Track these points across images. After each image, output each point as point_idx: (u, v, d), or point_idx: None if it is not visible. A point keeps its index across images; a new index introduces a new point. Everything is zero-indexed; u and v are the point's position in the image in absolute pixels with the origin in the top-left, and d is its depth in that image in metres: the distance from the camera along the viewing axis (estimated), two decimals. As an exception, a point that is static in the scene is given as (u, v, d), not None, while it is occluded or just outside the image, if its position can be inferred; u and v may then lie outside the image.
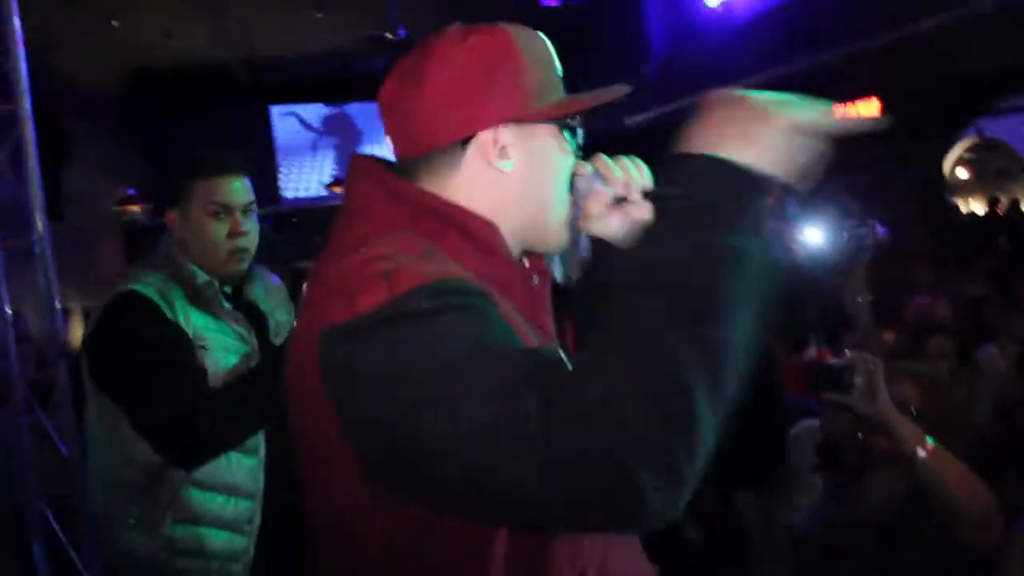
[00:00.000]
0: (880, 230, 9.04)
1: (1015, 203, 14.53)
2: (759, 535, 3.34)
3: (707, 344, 0.86)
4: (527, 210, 1.16)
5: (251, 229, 2.19)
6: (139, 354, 2.03)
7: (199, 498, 2.07)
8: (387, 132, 1.18)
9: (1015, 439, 3.18)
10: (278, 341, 2.23)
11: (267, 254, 2.52)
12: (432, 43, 1.13)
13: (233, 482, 2.11)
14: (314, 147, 13.52)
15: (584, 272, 1.41)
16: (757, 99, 0.98)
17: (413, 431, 0.88)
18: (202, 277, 2.14)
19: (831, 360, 2.13)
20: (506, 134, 1.11)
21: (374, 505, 0.98)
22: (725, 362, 0.87)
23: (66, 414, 3.98)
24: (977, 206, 16.77)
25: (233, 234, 2.14)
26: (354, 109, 13.55)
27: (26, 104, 3.95)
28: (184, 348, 2.04)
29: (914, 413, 2.06)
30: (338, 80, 12.43)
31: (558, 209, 1.19)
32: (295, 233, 14.40)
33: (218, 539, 2.09)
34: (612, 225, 1.25)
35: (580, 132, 1.21)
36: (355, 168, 1.19)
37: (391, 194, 1.13)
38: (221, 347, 2.10)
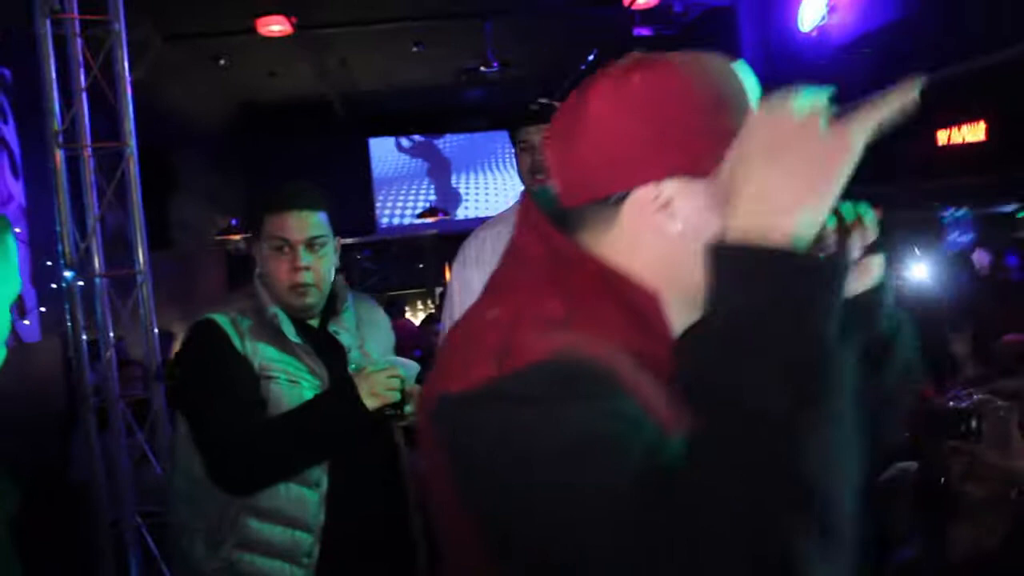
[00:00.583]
0: (985, 258, 8.71)
1: None
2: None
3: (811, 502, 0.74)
4: (700, 277, 0.91)
5: (313, 264, 2.19)
6: (201, 379, 2.11)
7: (256, 526, 2.10)
8: (552, 177, 1.05)
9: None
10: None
11: (363, 283, 2.57)
12: (594, 82, 0.99)
13: (292, 514, 2.12)
14: (408, 177, 13.81)
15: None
16: (817, 119, 0.84)
17: (505, 519, 0.85)
18: (270, 309, 2.18)
19: (954, 403, 1.99)
20: (672, 189, 0.95)
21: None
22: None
23: (162, 434, 4.17)
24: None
25: (293, 269, 2.16)
26: (448, 140, 13.81)
27: (132, 142, 4.18)
28: (244, 377, 2.09)
29: None
30: (434, 112, 12.69)
31: None
32: (392, 263, 14.72)
33: (274, 569, 2.10)
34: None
35: None
36: (523, 213, 1.06)
37: (551, 252, 1.00)
38: (288, 379, 2.13)
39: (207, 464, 2.05)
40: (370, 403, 2.06)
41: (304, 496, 2.14)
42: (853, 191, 0.89)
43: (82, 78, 4.13)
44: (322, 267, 2.22)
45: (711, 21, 9.65)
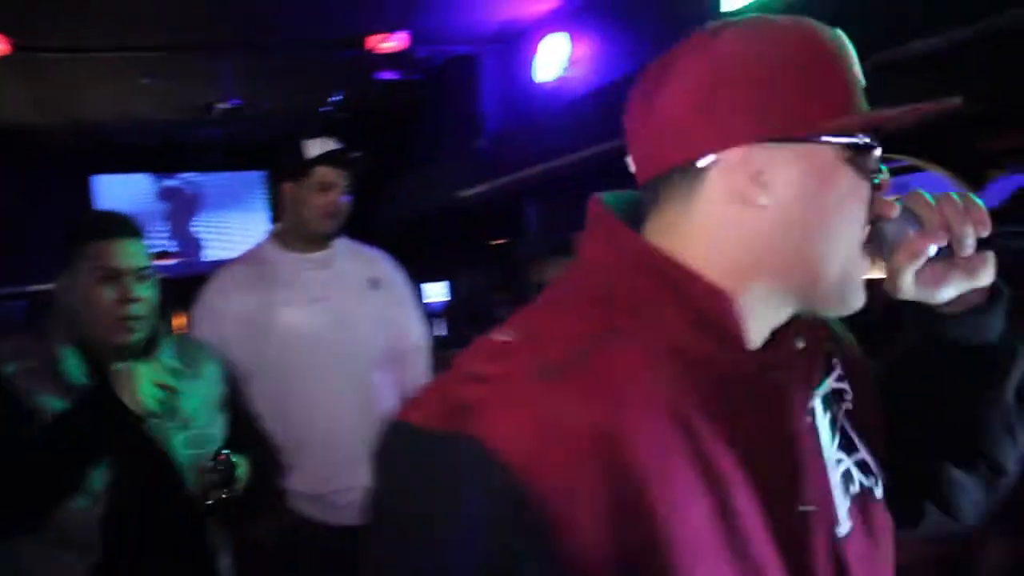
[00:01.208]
0: None
1: None
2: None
3: None
4: (797, 263, 0.86)
5: (144, 295, 2.10)
6: None
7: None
8: (630, 154, 0.94)
9: None
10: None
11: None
12: (684, 43, 0.89)
13: (71, 535, 1.99)
14: (141, 218, 12.98)
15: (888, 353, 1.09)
16: None
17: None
18: (61, 351, 2.05)
19: None
20: (764, 155, 0.83)
21: None
22: None
23: None
24: None
25: (122, 301, 2.05)
26: (184, 179, 13.10)
27: None
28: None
29: None
30: (167, 149, 12.01)
31: (849, 262, 0.88)
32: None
33: None
34: (933, 287, 0.92)
35: (883, 169, 0.90)
36: (590, 219, 0.94)
37: (614, 253, 0.89)
38: None
39: None
40: (133, 404, 1.94)
41: (79, 515, 2.00)
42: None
43: None
44: (152, 299, 2.12)
45: (455, 67, 9.87)
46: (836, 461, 0.94)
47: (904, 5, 5.00)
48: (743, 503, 0.81)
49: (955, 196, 0.91)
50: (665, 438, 0.78)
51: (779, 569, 0.82)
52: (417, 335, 3.42)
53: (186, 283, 3.44)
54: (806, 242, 0.85)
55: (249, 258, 3.16)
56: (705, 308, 0.84)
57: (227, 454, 2.10)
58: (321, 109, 9.20)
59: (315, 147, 3.03)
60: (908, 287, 0.91)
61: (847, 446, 0.97)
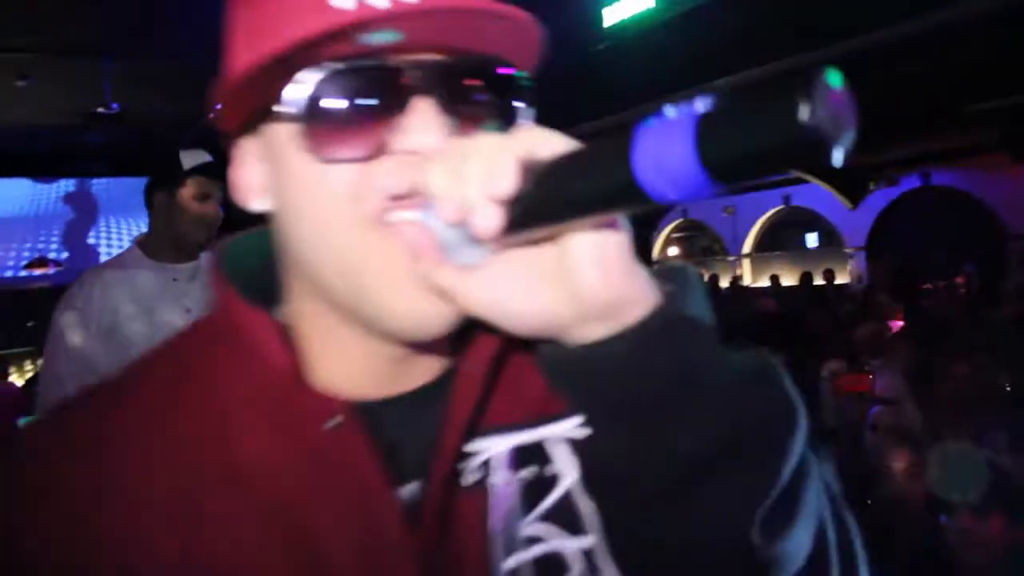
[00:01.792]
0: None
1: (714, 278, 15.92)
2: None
3: None
4: (316, 275, 0.70)
5: None
6: None
7: None
8: None
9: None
10: None
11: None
12: None
13: None
14: (15, 225, 12.45)
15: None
16: None
17: None
18: None
19: None
20: (253, 142, 0.72)
21: None
22: None
23: None
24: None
25: None
26: (62, 186, 12.63)
27: None
28: None
29: None
30: (45, 154, 11.57)
31: (351, 263, 0.67)
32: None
33: None
34: (514, 299, 0.64)
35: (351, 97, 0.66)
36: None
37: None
38: None
39: None
40: None
41: None
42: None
43: None
44: None
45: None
46: (527, 540, 0.71)
47: (780, 22, 5.23)
48: None
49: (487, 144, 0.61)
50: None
51: None
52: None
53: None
54: (305, 249, 0.70)
55: (114, 265, 3.10)
56: (245, 339, 0.71)
57: None
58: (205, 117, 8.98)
59: (190, 158, 3.01)
60: (479, 303, 0.64)
61: (566, 522, 0.71)
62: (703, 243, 20.79)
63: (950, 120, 9.38)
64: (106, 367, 2.77)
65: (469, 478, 0.71)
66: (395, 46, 0.63)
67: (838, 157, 0.44)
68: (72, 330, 2.91)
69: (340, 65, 0.63)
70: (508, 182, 0.57)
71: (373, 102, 0.64)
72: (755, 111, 0.44)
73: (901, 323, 5.94)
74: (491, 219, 0.57)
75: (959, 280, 11.00)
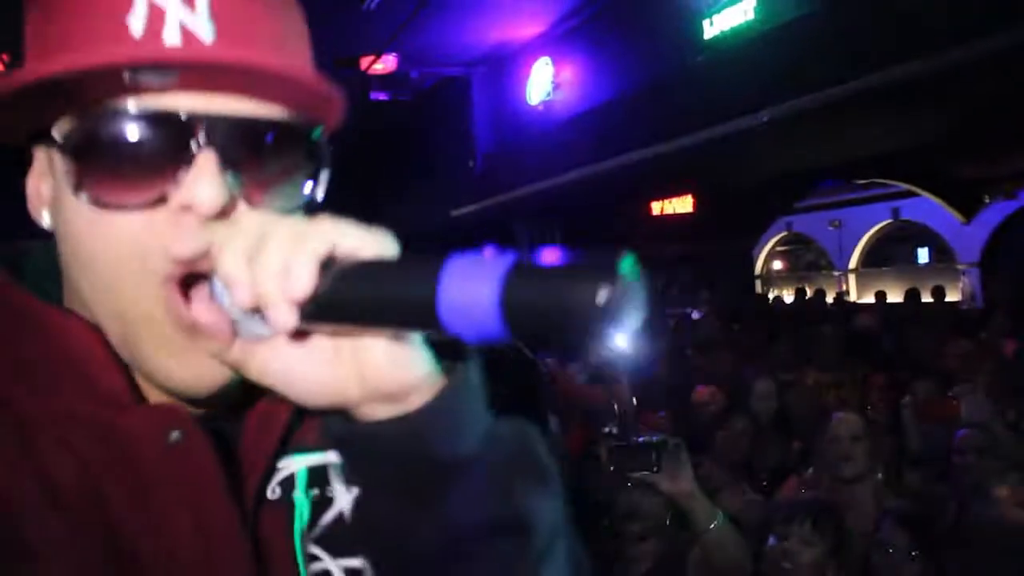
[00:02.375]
0: (696, 315, 9.52)
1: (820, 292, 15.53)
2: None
3: None
4: (93, 312, 0.67)
5: None
6: None
7: None
8: None
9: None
10: None
11: None
12: None
13: None
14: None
15: None
16: None
17: None
18: None
19: (636, 439, 2.27)
20: (40, 152, 0.69)
21: None
22: None
23: None
24: (787, 295, 17.90)
25: None
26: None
27: None
28: None
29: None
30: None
31: (132, 320, 0.65)
32: None
33: None
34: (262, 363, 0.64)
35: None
36: None
37: None
38: None
39: None
40: None
41: None
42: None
43: None
44: None
45: (446, 89, 10.03)
46: (311, 558, 0.73)
47: (883, 32, 5.12)
48: None
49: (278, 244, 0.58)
50: None
51: None
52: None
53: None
54: (89, 291, 0.67)
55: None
56: (71, 348, 0.67)
57: None
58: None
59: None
60: (267, 375, 0.63)
61: (338, 545, 0.74)
62: (808, 257, 20.30)
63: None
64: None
65: (274, 493, 0.73)
66: (183, 93, 0.61)
67: (618, 342, 0.49)
68: None
69: (120, 104, 0.60)
70: (306, 283, 0.55)
71: (153, 150, 0.61)
72: (560, 281, 0.48)
73: (1013, 346, 5.69)
74: (285, 316, 0.55)
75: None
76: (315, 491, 0.74)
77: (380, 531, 0.64)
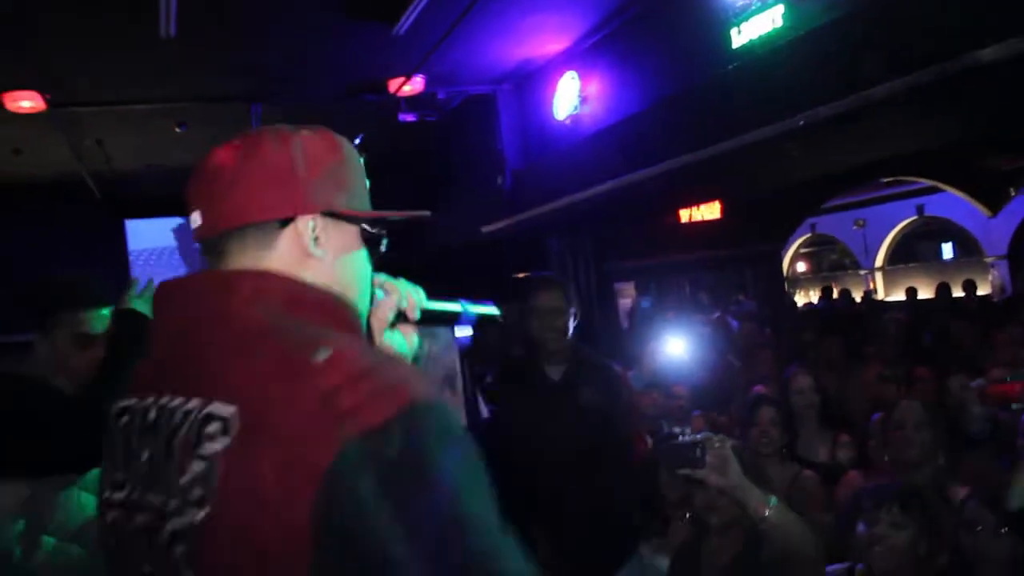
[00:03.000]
0: (733, 323, 9.57)
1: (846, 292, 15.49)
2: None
3: None
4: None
5: None
6: None
7: (50, 546, 2.01)
8: (199, 199, 1.15)
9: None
10: None
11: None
12: (268, 129, 1.17)
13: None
14: (166, 259, 13.30)
15: None
16: None
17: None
18: None
19: (682, 439, 2.35)
20: (322, 223, 1.15)
21: None
22: None
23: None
24: (813, 296, 17.87)
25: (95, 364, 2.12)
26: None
27: None
28: None
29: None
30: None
31: (364, 308, 1.23)
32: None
33: None
34: (395, 339, 1.36)
35: (384, 243, 1.26)
36: (237, 280, 1.12)
37: (288, 293, 1.11)
38: None
39: None
40: None
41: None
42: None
43: None
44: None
45: (472, 107, 10.15)
46: None
47: (909, 37, 5.18)
48: None
49: (405, 283, 1.38)
50: None
51: None
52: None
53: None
54: (343, 288, 1.17)
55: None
56: (349, 318, 1.17)
57: None
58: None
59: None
60: (379, 337, 1.33)
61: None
62: (833, 257, 20.31)
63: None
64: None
65: None
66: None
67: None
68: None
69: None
70: (422, 302, 1.45)
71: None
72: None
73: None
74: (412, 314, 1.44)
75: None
76: None
77: None
